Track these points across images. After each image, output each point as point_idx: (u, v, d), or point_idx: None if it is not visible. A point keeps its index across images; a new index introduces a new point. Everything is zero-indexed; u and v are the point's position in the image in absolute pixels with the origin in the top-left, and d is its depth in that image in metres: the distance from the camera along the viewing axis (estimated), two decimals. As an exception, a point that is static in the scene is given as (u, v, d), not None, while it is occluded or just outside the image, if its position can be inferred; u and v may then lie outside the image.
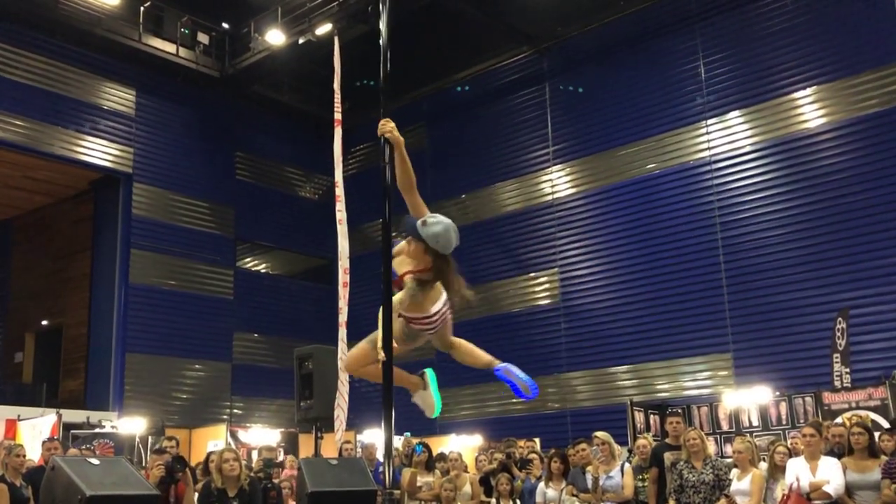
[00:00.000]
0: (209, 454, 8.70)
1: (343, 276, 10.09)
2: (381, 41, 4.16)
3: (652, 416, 13.14)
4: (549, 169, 17.46)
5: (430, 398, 4.31)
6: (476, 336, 17.16)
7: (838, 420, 9.76)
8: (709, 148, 15.34)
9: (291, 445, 14.49)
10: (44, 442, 9.71)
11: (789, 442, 8.90)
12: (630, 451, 9.44)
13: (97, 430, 13.43)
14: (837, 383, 11.83)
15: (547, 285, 17.15)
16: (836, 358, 12.11)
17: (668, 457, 7.93)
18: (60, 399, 17.34)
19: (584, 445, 8.57)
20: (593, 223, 16.63)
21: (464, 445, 14.38)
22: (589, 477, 8.13)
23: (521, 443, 12.10)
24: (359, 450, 11.63)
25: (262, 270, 20.69)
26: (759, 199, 14.63)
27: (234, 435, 14.57)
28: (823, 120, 14.23)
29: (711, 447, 8.75)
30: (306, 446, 13.48)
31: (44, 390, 17.44)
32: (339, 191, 10.30)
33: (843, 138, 13.94)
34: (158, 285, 17.56)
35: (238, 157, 19.71)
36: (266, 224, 19.87)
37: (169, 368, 17.52)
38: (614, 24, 16.74)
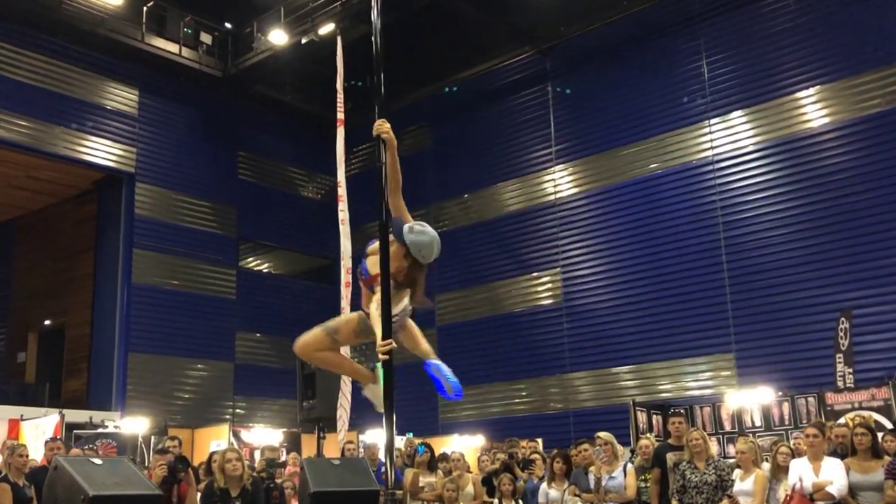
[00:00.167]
0: (212, 454, 8.72)
1: (345, 276, 10.10)
2: (373, 40, 4.14)
3: (654, 416, 13.13)
4: (552, 169, 17.45)
5: (381, 392, 4.32)
6: (478, 336, 17.38)
7: (841, 420, 9.74)
8: (711, 148, 15.33)
9: (294, 445, 14.48)
10: (47, 442, 9.73)
11: (792, 442, 8.88)
12: (633, 452, 9.45)
13: (100, 430, 13.44)
14: (840, 384, 11.82)
15: (549, 285, 17.14)
16: (839, 358, 12.09)
17: (670, 457, 7.92)
18: (63, 399, 17.35)
19: (586, 446, 8.56)
20: (596, 223, 16.62)
21: (466, 446, 14.38)
22: (591, 477, 8.12)
23: (524, 443, 12.11)
24: (361, 450, 11.63)
25: (265, 270, 20.70)
26: (761, 198, 14.62)
27: (236, 435, 14.58)
28: (826, 120, 14.21)
29: (714, 447, 8.74)
30: (309, 446, 13.47)
31: (46, 390, 17.45)
32: (342, 191, 10.31)
33: (846, 138, 13.93)
34: (161, 285, 17.57)
35: (241, 156, 19.72)
36: (269, 224, 19.88)
37: (171, 368, 17.53)
38: (617, 23, 16.73)
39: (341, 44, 11.11)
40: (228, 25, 19.01)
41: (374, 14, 4.22)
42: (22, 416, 13.59)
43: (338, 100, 10.74)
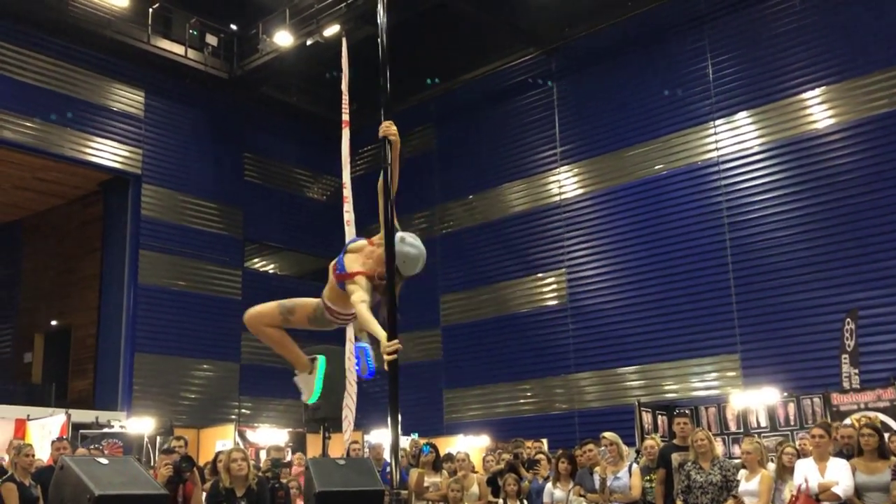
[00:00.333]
0: (217, 454, 8.74)
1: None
2: (379, 41, 4.16)
3: (660, 416, 13.12)
4: (557, 169, 17.45)
5: (312, 384, 4.38)
6: (484, 337, 17.40)
7: (847, 421, 9.72)
8: (717, 148, 15.32)
9: (299, 445, 14.51)
10: (53, 442, 9.76)
11: (797, 443, 8.88)
12: (638, 452, 9.44)
13: (106, 430, 13.48)
14: (846, 384, 11.80)
15: (554, 286, 17.14)
16: (845, 359, 12.08)
17: (675, 457, 7.92)
18: (69, 399, 17.41)
19: (591, 446, 8.56)
20: (601, 224, 16.62)
21: (471, 446, 14.39)
22: (596, 477, 8.13)
23: (529, 443, 12.10)
24: (366, 450, 11.64)
25: (271, 271, 20.74)
26: (767, 199, 14.60)
27: (242, 435, 14.61)
28: (832, 120, 14.19)
29: (719, 448, 8.74)
30: (314, 446, 13.50)
31: (53, 390, 17.51)
32: (347, 192, 10.30)
33: (852, 139, 13.90)
34: (167, 286, 17.62)
35: (246, 158, 19.77)
36: (274, 225, 19.92)
37: (177, 368, 17.58)
38: (622, 24, 16.73)
39: (346, 45, 11.12)
40: (234, 27, 19.06)
41: (381, 17, 4.23)
42: (28, 416, 13.64)
43: (343, 101, 10.75)
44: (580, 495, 8.18)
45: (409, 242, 4.02)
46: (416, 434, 14.42)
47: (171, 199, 18.06)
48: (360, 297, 3.96)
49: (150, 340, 17.17)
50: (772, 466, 7.75)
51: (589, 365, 16.35)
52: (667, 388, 15.30)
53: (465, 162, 18.90)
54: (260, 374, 18.73)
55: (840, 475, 6.81)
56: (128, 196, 17.72)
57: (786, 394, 12.42)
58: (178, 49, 17.93)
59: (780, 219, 14.39)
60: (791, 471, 7.24)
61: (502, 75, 18.62)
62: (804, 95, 14.50)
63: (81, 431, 12.99)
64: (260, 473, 8.35)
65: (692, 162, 15.60)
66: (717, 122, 15.36)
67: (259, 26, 18.27)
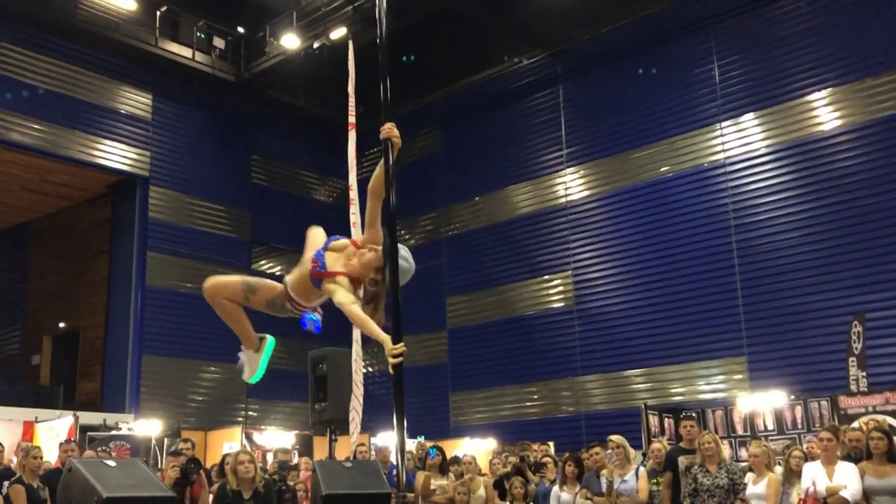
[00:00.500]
0: (224, 456, 8.76)
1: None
2: (378, 41, 4.19)
3: (666, 419, 13.09)
4: (563, 171, 17.45)
5: (257, 363, 4.41)
6: (490, 339, 17.42)
7: (855, 424, 9.70)
8: (723, 150, 15.30)
9: (306, 448, 14.53)
10: (61, 444, 9.80)
11: (805, 446, 8.86)
12: (644, 455, 9.42)
13: (113, 433, 13.50)
14: (854, 387, 11.75)
15: (560, 288, 17.13)
16: (853, 362, 12.03)
17: (682, 460, 7.90)
18: (77, 401, 17.45)
19: (598, 449, 8.55)
20: (607, 226, 16.60)
21: (478, 449, 14.38)
22: (603, 480, 8.12)
23: (535, 446, 12.11)
24: (373, 453, 11.65)
25: (278, 273, 20.76)
26: (773, 201, 14.57)
27: (249, 437, 14.63)
28: (839, 122, 14.16)
29: (726, 451, 8.72)
30: (320, 449, 13.51)
31: (61, 392, 17.56)
32: (353, 194, 10.33)
33: (859, 141, 13.87)
34: (175, 288, 17.65)
35: (254, 160, 19.81)
36: (281, 227, 19.94)
37: (185, 371, 17.61)
38: (628, 27, 16.71)
39: (353, 48, 11.15)
40: (241, 30, 19.11)
41: (380, 25, 4.26)
42: (36, 418, 13.67)
43: (349, 104, 10.78)
44: (587, 498, 8.17)
45: (403, 256, 4.00)
46: (423, 437, 14.42)
47: (178, 202, 18.11)
48: (349, 298, 3.92)
49: (158, 342, 17.21)
50: (779, 470, 7.74)
51: (595, 367, 16.33)
52: (673, 390, 15.27)
53: (471, 164, 18.91)
54: (267, 377, 18.44)
55: (848, 479, 6.79)
56: (135, 198, 17.77)
57: (793, 397, 12.38)
58: (185, 52, 17.98)
59: (787, 221, 14.37)
60: (798, 474, 7.23)
61: (508, 78, 18.62)
62: (810, 97, 14.48)
63: (89, 434, 13.01)
64: (267, 476, 8.37)
65: (698, 164, 15.58)
66: (724, 123, 15.33)
67: (266, 29, 18.32)
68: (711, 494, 7.30)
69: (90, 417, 14.37)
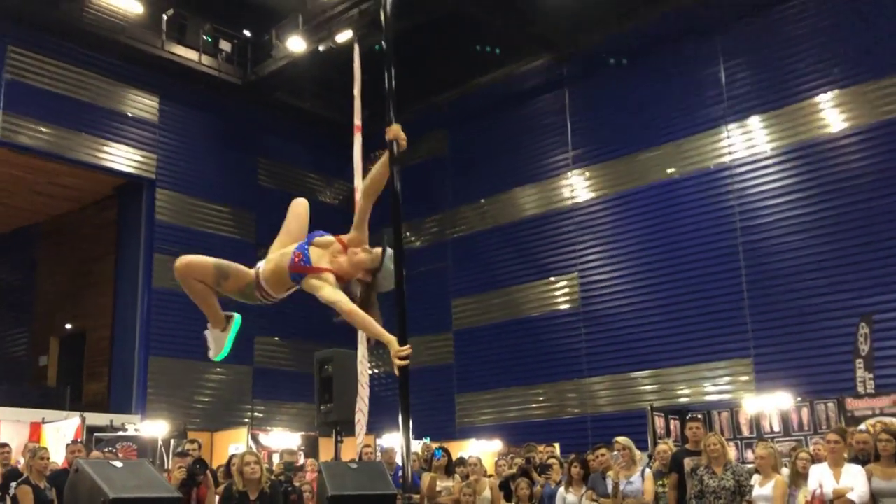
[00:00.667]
0: (231, 457, 8.77)
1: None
2: (382, 43, 4.20)
3: (672, 421, 13.07)
4: (569, 173, 17.44)
5: (223, 342, 4.35)
6: (496, 341, 17.37)
7: (862, 427, 9.66)
8: (730, 152, 15.28)
9: (311, 449, 14.55)
10: (67, 445, 9.82)
11: (811, 448, 8.83)
12: (650, 457, 9.41)
13: (120, 433, 13.55)
14: (861, 389, 11.71)
15: (567, 290, 17.12)
16: (860, 363, 11.99)
17: (688, 462, 7.89)
18: (84, 402, 17.51)
19: (603, 451, 8.53)
20: (613, 228, 16.59)
21: (483, 450, 14.39)
22: (609, 482, 8.11)
23: (541, 448, 12.08)
24: (378, 454, 11.66)
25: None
26: (780, 203, 14.55)
27: (255, 438, 14.66)
28: (845, 124, 14.13)
29: (732, 453, 8.70)
30: (326, 450, 13.53)
31: (68, 393, 17.62)
32: (359, 195, 10.35)
33: (865, 142, 13.84)
34: (181, 289, 17.61)
35: (260, 162, 19.85)
36: (287, 229, 19.97)
37: (191, 372, 17.65)
38: (634, 29, 16.71)
39: (359, 51, 11.17)
40: (247, 33, 19.17)
41: (385, 28, 4.28)
42: (43, 419, 13.72)
43: (355, 106, 10.80)
44: (593, 500, 8.16)
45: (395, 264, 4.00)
46: (428, 438, 14.43)
47: (184, 204, 18.16)
48: (341, 296, 3.89)
49: (164, 344, 17.25)
50: (786, 472, 7.72)
51: (601, 369, 16.32)
52: (679, 392, 15.25)
53: (478, 166, 18.92)
54: (273, 378, 18.81)
55: (855, 481, 6.77)
56: (142, 200, 17.83)
57: (799, 398, 12.34)
58: (192, 55, 18.04)
59: (793, 223, 14.34)
60: (805, 476, 7.21)
61: (515, 80, 18.63)
62: (817, 99, 14.45)
63: (96, 434, 13.05)
64: (273, 477, 8.38)
65: (705, 166, 15.57)
66: (730, 126, 15.32)
67: (272, 32, 18.37)
68: (717, 496, 7.28)
69: (97, 418, 14.42)
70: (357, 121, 10.69)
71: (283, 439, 14.97)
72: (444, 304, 18.69)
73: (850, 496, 6.69)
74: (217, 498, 7.67)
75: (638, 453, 8.47)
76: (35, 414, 14.02)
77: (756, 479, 7.44)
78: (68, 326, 20.01)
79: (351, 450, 10.88)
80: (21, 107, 15.90)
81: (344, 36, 16.86)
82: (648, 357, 15.62)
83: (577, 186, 17.30)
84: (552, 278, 17.39)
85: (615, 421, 14.99)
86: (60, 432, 13.06)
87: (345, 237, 4.14)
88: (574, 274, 17.03)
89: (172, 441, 13.59)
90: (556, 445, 13.45)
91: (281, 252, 4.14)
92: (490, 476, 10.16)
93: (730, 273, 14.83)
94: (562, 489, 8.60)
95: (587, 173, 17.20)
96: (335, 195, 21.17)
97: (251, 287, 4.16)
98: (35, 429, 13.35)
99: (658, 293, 15.66)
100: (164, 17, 17.60)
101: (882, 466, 6.86)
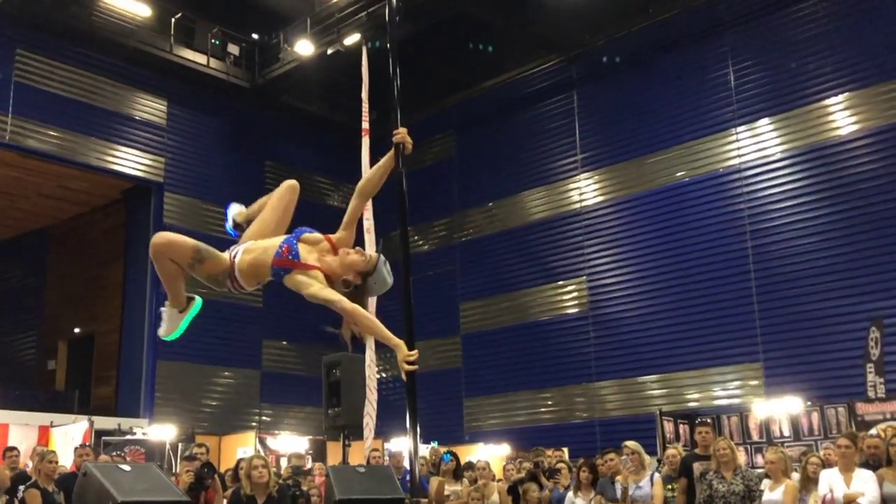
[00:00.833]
0: (238, 461, 8.77)
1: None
2: (387, 45, 4.20)
3: (681, 425, 13.01)
4: (577, 177, 17.40)
5: (178, 322, 4.15)
6: (504, 344, 17.34)
7: (873, 431, 9.60)
8: (739, 155, 15.22)
9: (319, 453, 14.54)
10: (76, 448, 9.83)
11: (822, 453, 8.78)
12: (659, 461, 9.37)
13: (128, 437, 13.57)
14: (871, 394, 11.63)
15: (575, 294, 17.08)
16: (870, 368, 11.90)
17: (697, 467, 7.85)
18: (92, 406, 17.55)
19: (612, 455, 8.50)
20: (622, 231, 16.55)
21: (492, 454, 14.34)
22: (618, 486, 8.07)
23: (550, 452, 12.04)
24: (386, 458, 11.64)
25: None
26: (789, 206, 14.48)
27: (262, 442, 14.66)
28: (855, 127, 14.06)
29: (742, 457, 8.66)
30: (334, 454, 13.52)
31: (76, 397, 17.66)
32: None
33: (876, 145, 13.77)
34: (189, 293, 17.71)
35: (267, 166, 19.87)
36: (295, 233, 19.99)
37: (199, 376, 17.67)
38: (643, 31, 16.67)
39: (366, 54, 11.17)
40: (255, 37, 19.21)
41: (391, 31, 4.28)
42: (52, 422, 13.75)
43: (363, 110, 10.80)
44: (601, 504, 8.13)
45: (387, 270, 3.96)
46: (436, 442, 14.40)
47: (192, 207, 18.18)
48: (335, 295, 3.81)
49: (172, 348, 17.17)
50: (796, 476, 7.67)
51: (610, 373, 16.26)
52: (688, 396, 15.19)
53: (485, 169, 18.90)
54: (280, 382, 18.81)
55: (866, 486, 6.72)
56: (150, 204, 17.86)
57: (809, 403, 12.27)
58: (200, 58, 18.08)
59: (803, 226, 14.27)
60: (815, 481, 7.17)
61: (523, 83, 18.61)
62: (827, 102, 14.38)
63: (104, 438, 13.07)
64: (281, 481, 8.36)
65: (714, 169, 15.51)
66: (739, 128, 15.26)
67: (280, 36, 18.40)
68: (727, 501, 7.24)
69: (105, 422, 14.45)
70: (365, 124, 10.70)
71: (290, 443, 14.97)
72: (452, 307, 18.66)
73: (861, 501, 6.65)
74: (225, 502, 7.66)
75: (647, 458, 8.43)
76: (43, 417, 14.06)
77: (766, 483, 7.40)
78: (77, 330, 20.05)
79: (359, 454, 10.87)
80: (29, 110, 15.96)
81: (352, 39, 16.87)
82: (657, 361, 15.56)
83: (586, 190, 17.26)
84: (560, 282, 17.35)
85: (624, 425, 14.94)
86: (69, 436, 13.08)
87: (333, 236, 4.08)
88: (582, 277, 16.99)
89: (180, 445, 13.59)
90: (565, 450, 13.39)
91: (263, 246, 4.02)
92: (498, 480, 10.13)
93: (739, 276, 14.76)
94: (570, 494, 8.57)
95: (595, 176, 17.16)
96: (343, 198, 21.17)
97: (224, 275, 4.03)
98: (43, 432, 13.38)
99: (667, 297, 15.60)
100: (173, 20, 17.65)
101: (893, 471, 6.82)
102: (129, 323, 17.99)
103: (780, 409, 12.37)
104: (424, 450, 12.26)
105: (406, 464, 9.61)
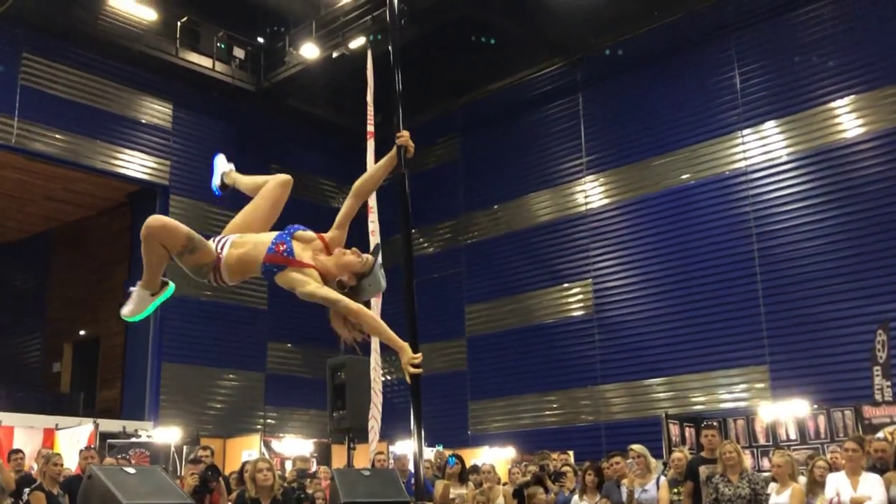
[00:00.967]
0: (243, 464, 8.76)
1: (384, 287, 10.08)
2: (390, 48, 4.19)
3: (687, 428, 12.97)
4: (583, 179, 17.38)
5: (146, 305, 4.02)
6: (509, 347, 17.32)
7: (880, 435, 9.56)
8: (744, 158, 15.18)
9: (324, 456, 14.53)
10: (81, 451, 9.86)
11: (829, 456, 8.74)
12: (665, 465, 9.34)
13: (133, 440, 13.58)
14: (878, 397, 11.58)
15: (580, 296, 17.05)
16: (877, 371, 11.85)
17: (703, 470, 7.83)
18: (97, 409, 17.56)
19: (618, 458, 8.48)
20: (627, 234, 16.52)
21: (497, 457, 14.31)
22: (624, 490, 8.05)
23: (555, 455, 12.02)
24: (391, 461, 11.63)
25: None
26: (795, 209, 14.44)
27: (267, 445, 14.65)
28: (861, 129, 14.02)
29: (748, 461, 8.62)
30: (339, 457, 13.51)
31: (81, 400, 17.69)
32: (372, 202, 10.35)
33: (882, 148, 13.73)
34: (194, 296, 17.72)
35: (273, 169, 19.82)
36: (300, 235, 20.00)
37: (204, 378, 17.68)
38: (648, 34, 16.65)
39: (371, 57, 11.18)
40: (261, 40, 19.24)
41: (393, 34, 4.28)
42: (57, 425, 13.76)
43: (368, 112, 10.81)
44: (607, 508, 8.10)
45: (382, 275, 3.91)
46: (441, 445, 14.38)
47: (198, 210, 18.19)
48: (335, 294, 3.74)
49: (177, 350, 17.30)
50: (802, 480, 7.64)
51: (615, 376, 16.23)
52: (694, 399, 15.14)
53: (491, 172, 18.88)
54: (285, 385, 18.81)
55: (873, 490, 6.70)
56: (155, 207, 17.85)
57: (816, 406, 12.23)
58: (205, 62, 18.11)
59: (809, 229, 14.23)
60: (822, 485, 7.14)
61: (528, 85, 18.59)
62: (833, 104, 14.35)
63: (109, 441, 13.08)
64: (285, 484, 8.36)
65: (719, 172, 15.48)
66: (745, 131, 15.23)
67: (286, 39, 18.43)
68: (733, 504, 7.21)
69: (110, 425, 14.46)
70: (370, 127, 10.71)
71: (295, 446, 14.96)
72: (457, 310, 18.65)
73: (869, 505, 6.62)
74: (229, 505, 7.65)
75: (653, 461, 8.41)
76: (48, 420, 14.07)
77: (773, 487, 7.38)
78: (82, 333, 20.08)
79: (364, 457, 10.86)
80: (35, 113, 16.00)
81: (357, 42, 16.90)
82: (663, 364, 15.52)
83: (591, 192, 17.23)
84: (566, 285, 17.33)
85: (629, 428, 14.89)
86: (74, 438, 13.10)
87: (326, 235, 4.02)
88: (588, 280, 16.96)
89: (185, 447, 13.59)
90: (570, 453, 13.38)
91: (254, 241, 3.92)
92: (504, 484, 10.11)
93: (745, 279, 14.72)
94: (576, 497, 8.55)
95: (601, 179, 17.14)
96: (348, 201, 21.17)
97: (209, 267, 3.92)
98: (48, 435, 13.39)
99: (672, 299, 15.57)
100: (178, 24, 17.69)
101: (902, 475, 6.79)
102: (134, 326, 17.96)
103: (787, 412, 12.33)
104: (429, 453, 12.25)
105: (411, 467, 9.60)
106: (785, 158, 14.73)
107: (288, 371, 19.03)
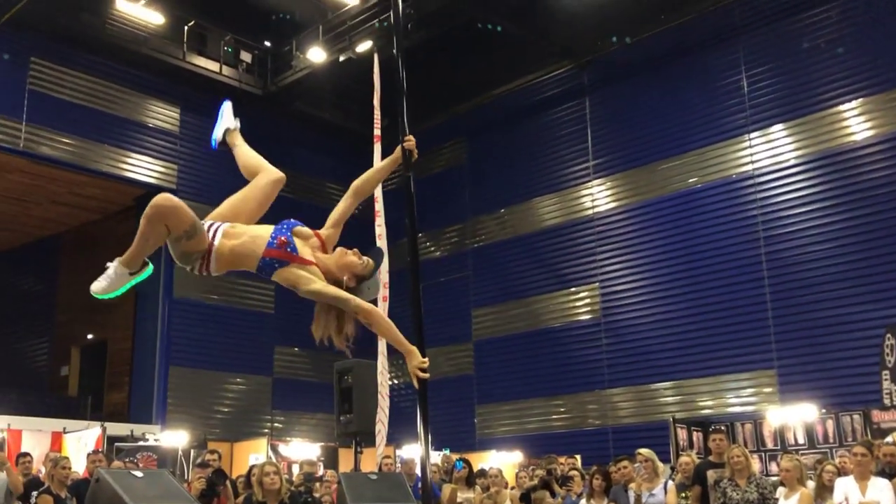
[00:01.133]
0: (251, 468, 8.76)
1: (382, 291, 10.10)
2: (394, 52, 4.19)
3: (695, 432, 12.94)
4: (590, 183, 17.36)
5: (121, 284, 3.87)
6: (516, 351, 17.31)
7: (889, 439, 9.51)
8: (752, 162, 15.15)
9: (331, 460, 14.52)
10: (88, 454, 9.86)
11: (837, 461, 8.70)
12: (673, 469, 9.31)
13: (141, 443, 13.58)
14: (887, 401, 11.53)
15: (588, 300, 17.02)
16: (886, 375, 11.79)
17: (711, 474, 7.80)
18: (105, 412, 17.58)
19: (625, 463, 8.45)
20: (634, 237, 16.49)
21: (504, 462, 14.31)
22: (631, 494, 8.02)
23: (562, 459, 11.99)
24: (398, 465, 11.61)
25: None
26: (803, 212, 14.40)
27: (274, 449, 14.66)
28: (869, 133, 13.98)
29: (756, 465, 8.59)
30: (346, 461, 13.50)
31: (88, 403, 17.71)
32: (379, 206, 10.36)
33: (890, 151, 13.69)
34: (201, 300, 17.77)
35: (279, 172, 19.90)
36: (307, 239, 20.02)
37: (211, 382, 17.70)
38: (655, 37, 16.63)
39: (378, 61, 11.18)
40: (268, 44, 19.28)
41: (397, 38, 4.28)
42: (64, 428, 13.79)
43: (374, 116, 10.81)
44: (614, 512, 8.08)
45: (379, 277, 3.89)
46: (448, 449, 14.37)
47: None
48: (343, 293, 3.66)
49: (185, 354, 17.32)
50: (811, 484, 7.61)
51: (623, 380, 16.19)
52: (702, 403, 15.10)
53: (497, 175, 18.88)
54: (292, 389, 18.81)
55: (882, 495, 6.67)
56: (163, 211, 17.90)
57: (824, 410, 12.18)
58: (212, 66, 18.15)
59: (817, 232, 14.19)
60: (831, 489, 7.11)
61: (534, 89, 18.59)
62: (840, 108, 14.31)
63: (116, 444, 13.09)
64: (293, 488, 8.35)
65: (727, 175, 15.45)
66: (752, 134, 15.19)
67: (293, 43, 18.45)
68: (742, 509, 7.18)
69: (117, 428, 14.47)
70: (377, 130, 10.70)
71: (302, 450, 14.96)
72: (464, 314, 18.64)
73: (878, 510, 6.59)
74: (236, 508, 7.65)
75: (660, 465, 8.38)
76: (56, 424, 14.09)
77: (781, 491, 7.35)
78: (89, 336, 20.12)
79: (371, 461, 10.84)
80: (43, 117, 16.05)
81: (363, 46, 16.91)
82: (670, 368, 15.48)
83: (598, 196, 17.21)
84: (573, 288, 17.30)
85: (637, 432, 14.86)
86: (81, 442, 13.12)
87: (322, 233, 3.96)
88: (595, 284, 16.93)
89: (192, 451, 13.60)
90: (578, 457, 13.35)
91: (251, 234, 3.84)
92: (511, 488, 10.09)
93: (753, 283, 14.68)
94: (583, 501, 8.53)
95: (608, 183, 17.12)
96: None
97: (198, 255, 3.84)
98: (56, 438, 13.41)
99: (680, 303, 15.53)
100: (185, 28, 17.73)
101: (911, 480, 6.75)
102: (142, 329, 18.05)
103: (795, 416, 12.29)
104: (436, 457, 12.24)
105: (418, 471, 9.58)
106: (793, 161, 14.70)
107: (295, 375, 19.04)
